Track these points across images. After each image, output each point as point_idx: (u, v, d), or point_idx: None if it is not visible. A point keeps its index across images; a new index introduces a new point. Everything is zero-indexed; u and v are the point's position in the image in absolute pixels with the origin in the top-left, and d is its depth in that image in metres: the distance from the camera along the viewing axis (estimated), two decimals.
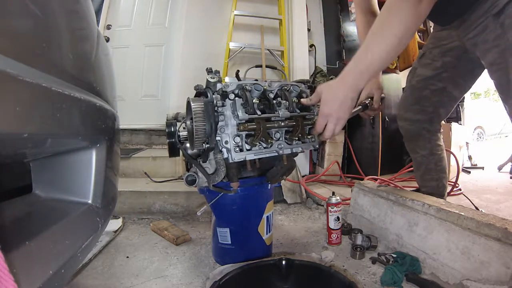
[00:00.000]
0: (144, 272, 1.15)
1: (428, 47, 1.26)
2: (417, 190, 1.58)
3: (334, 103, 0.84)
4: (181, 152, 1.02)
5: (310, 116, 0.99)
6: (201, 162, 0.94)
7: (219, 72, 0.95)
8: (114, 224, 1.59)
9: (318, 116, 0.89)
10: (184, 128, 1.02)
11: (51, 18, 0.44)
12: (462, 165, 2.89)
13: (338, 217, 1.33)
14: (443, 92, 1.24)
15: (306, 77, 2.86)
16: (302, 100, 0.96)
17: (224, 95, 0.89)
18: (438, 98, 1.25)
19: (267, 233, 1.16)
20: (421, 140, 1.33)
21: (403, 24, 0.78)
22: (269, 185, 1.12)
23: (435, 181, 1.36)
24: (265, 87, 0.93)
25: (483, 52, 0.96)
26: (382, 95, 1.19)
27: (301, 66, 2.93)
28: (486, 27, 0.92)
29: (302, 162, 2.69)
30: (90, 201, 0.53)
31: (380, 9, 0.86)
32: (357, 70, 0.81)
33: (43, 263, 0.38)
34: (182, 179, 0.94)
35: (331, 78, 2.64)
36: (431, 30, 3.17)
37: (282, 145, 0.93)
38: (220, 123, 0.86)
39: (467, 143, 3.19)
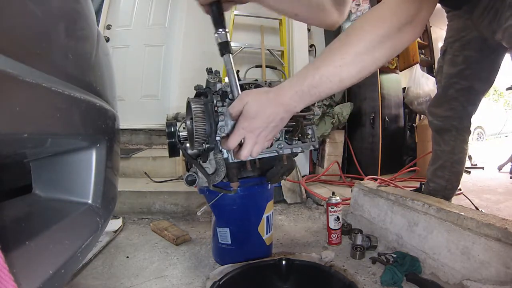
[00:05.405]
0: (144, 272, 1.15)
1: (449, 41, 1.24)
2: (417, 190, 1.58)
3: (259, 119, 0.68)
4: (181, 152, 1.02)
5: (310, 116, 0.99)
6: (201, 162, 0.94)
7: (219, 72, 0.95)
8: (114, 224, 1.59)
9: (233, 130, 0.71)
10: (184, 128, 1.02)
11: (51, 18, 0.44)
12: None
13: (338, 217, 1.33)
14: (470, 90, 1.23)
15: None
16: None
17: (224, 95, 0.89)
18: (465, 98, 1.24)
19: (267, 233, 1.16)
20: (447, 135, 1.33)
21: (373, 49, 0.60)
22: (269, 185, 1.12)
23: (445, 181, 1.35)
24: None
25: (504, 36, 0.91)
26: None
27: (301, 66, 2.91)
28: (497, 11, 0.89)
29: (302, 162, 2.69)
30: (90, 201, 0.53)
31: None
32: (298, 89, 0.65)
33: (43, 263, 0.38)
34: (182, 179, 0.94)
35: None
36: (431, 30, 3.16)
37: (282, 145, 0.92)
38: (220, 123, 0.86)
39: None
